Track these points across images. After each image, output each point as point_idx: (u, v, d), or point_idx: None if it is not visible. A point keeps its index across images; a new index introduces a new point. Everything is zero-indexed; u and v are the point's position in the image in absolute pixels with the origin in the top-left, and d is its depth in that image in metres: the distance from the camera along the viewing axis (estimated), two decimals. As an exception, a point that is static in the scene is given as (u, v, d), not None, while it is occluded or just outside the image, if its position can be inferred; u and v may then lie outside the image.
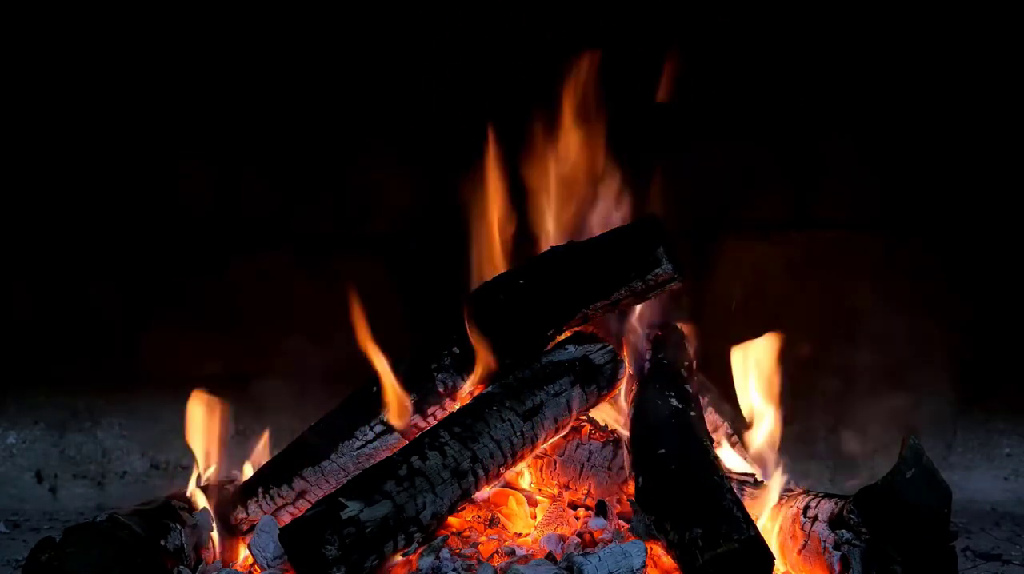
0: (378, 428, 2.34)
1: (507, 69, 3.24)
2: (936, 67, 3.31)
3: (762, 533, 2.05)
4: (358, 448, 2.34)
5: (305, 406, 2.72)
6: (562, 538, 2.24)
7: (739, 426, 2.57)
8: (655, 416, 2.30)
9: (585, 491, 2.40)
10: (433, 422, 2.33)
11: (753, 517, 2.11)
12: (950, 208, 3.36)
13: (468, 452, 2.18)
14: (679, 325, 2.62)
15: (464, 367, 2.36)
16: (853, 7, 3.29)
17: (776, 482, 2.30)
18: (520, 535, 2.30)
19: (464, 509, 2.27)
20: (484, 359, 2.34)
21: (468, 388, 2.37)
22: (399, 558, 2.12)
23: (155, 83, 3.29)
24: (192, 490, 2.39)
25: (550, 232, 2.61)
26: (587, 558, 2.07)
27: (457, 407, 2.34)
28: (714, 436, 2.42)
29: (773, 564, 1.98)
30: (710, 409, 2.57)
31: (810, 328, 3.33)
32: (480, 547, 2.20)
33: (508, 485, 2.40)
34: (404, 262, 3.33)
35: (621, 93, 2.69)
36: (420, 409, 2.36)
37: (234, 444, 2.68)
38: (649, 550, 2.09)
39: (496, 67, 3.25)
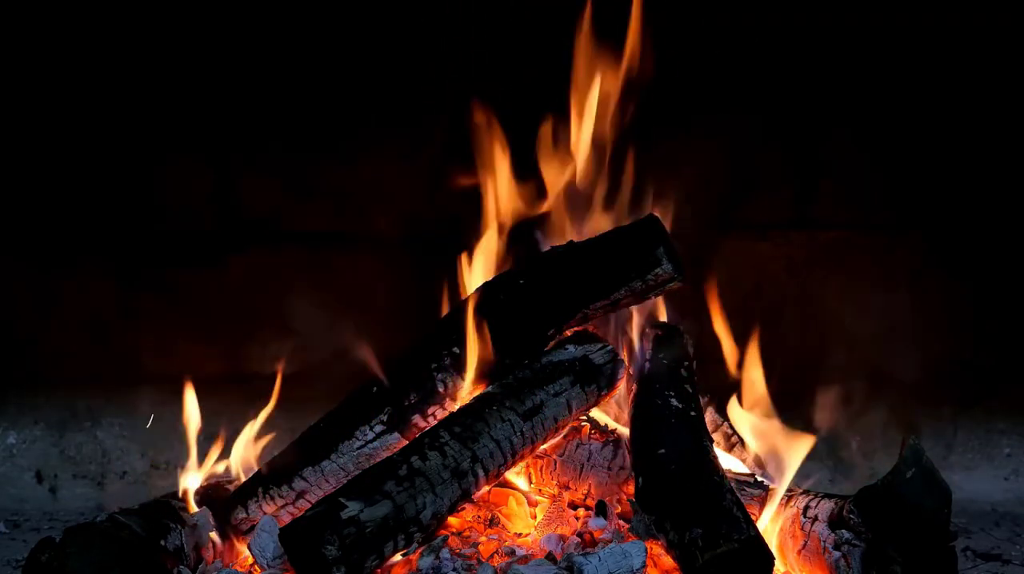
0: (378, 428, 2.34)
1: (509, 67, 3.24)
2: (935, 65, 3.31)
3: (762, 533, 2.05)
4: (358, 448, 2.34)
5: (305, 406, 2.72)
6: (562, 538, 2.24)
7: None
8: (655, 416, 2.30)
9: (585, 491, 2.40)
10: (433, 422, 2.33)
11: (753, 517, 2.11)
12: (950, 208, 3.36)
13: (468, 452, 2.18)
14: (679, 325, 2.62)
15: (464, 367, 2.36)
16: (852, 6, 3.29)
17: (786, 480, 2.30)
18: (520, 535, 2.30)
19: (464, 509, 2.27)
20: (484, 359, 2.34)
21: (468, 388, 2.37)
22: (399, 558, 2.12)
23: (153, 80, 3.29)
24: (185, 489, 2.39)
25: (551, 232, 2.61)
26: (587, 558, 2.07)
27: (457, 407, 2.34)
28: (714, 436, 2.42)
29: (773, 564, 1.98)
30: (710, 409, 2.57)
31: (810, 328, 3.33)
32: (480, 547, 2.20)
33: (508, 485, 2.40)
34: (405, 261, 3.33)
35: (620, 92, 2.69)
36: (420, 409, 2.36)
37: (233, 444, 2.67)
38: (649, 550, 2.10)
39: (497, 65, 3.25)
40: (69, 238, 3.33)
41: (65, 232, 3.33)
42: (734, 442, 2.59)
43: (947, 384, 3.38)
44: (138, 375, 3.35)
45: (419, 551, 2.14)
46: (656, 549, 2.13)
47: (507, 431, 2.24)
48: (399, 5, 3.27)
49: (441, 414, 2.36)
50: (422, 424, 2.35)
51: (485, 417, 2.24)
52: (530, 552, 2.21)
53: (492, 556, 2.18)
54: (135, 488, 3.29)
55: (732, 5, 3.28)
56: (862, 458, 3.37)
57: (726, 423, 2.60)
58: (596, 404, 2.41)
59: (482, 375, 2.35)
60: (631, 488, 2.27)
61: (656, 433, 2.26)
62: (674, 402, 2.31)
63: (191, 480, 2.44)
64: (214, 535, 2.31)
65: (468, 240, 2.65)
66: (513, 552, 2.20)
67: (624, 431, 2.40)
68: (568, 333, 2.41)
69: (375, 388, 2.38)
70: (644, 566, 2.07)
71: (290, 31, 3.29)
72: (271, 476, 2.37)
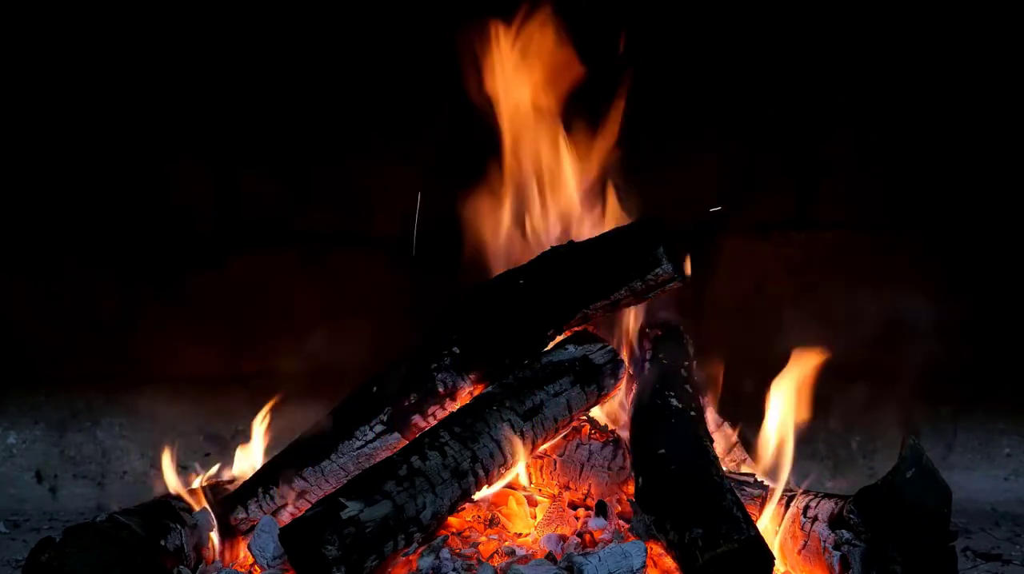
0: (378, 428, 2.34)
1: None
2: (936, 70, 3.31)
3: (762, 533, 2.05)
4: (358, 448, 2.34)
5: (305, 406, 2.72)
6: (562, 538, 2.24)
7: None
8: (655, 416, 2.30)
9: (585, 491, 2.40)
10: (433, 422, 2.33)
11: (753, 517, 2.11)
12: (950, 208, 3.36)
13: (468, 452, 2.18)
14: (679, 325, 2.62)
15: (464, 367, 2.36)
16: (852, 12, 3.29)
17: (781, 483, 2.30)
18: (520, 535, 2.30)
19: (464, 509, 2.27)
20: (484, 358, 2.35)
21: (468, 388, 2.37)
22: (399, 558, 2.12)
23: (154, 81, 3.29)
24: (191, 487, 2.39)
25: (551, 232, 2.61)
26: (587, 558, 2.07)
27: (457, 407, 2.34)
28: (714, 436, 2.42)
29: (773, 564, 1.98)
30: (710, 409, 2.57)
31: (809, 328, 3.33)
32: (480, 547, 2.20)
33: (508, 485, 2.40)
34: (405, 261, 3.33)
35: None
36: (420, 409, 2.36)
37: (233, 444, 2.67)
38: (649, 550, 2.10)
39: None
40: (70, 238, 3.33)
41: (66, 232, 3.33)
42: (734, 442, 2.59)
43: (947, 384, 3.38)
44: (138, 375, 3.35)
45: (419, 551, 2.14)
46: (656, 549, 2.13)
47: (507, 431, 2.24)
48: (399, 10, 3.27)
49: (441, 414, 2.36)
50: (422, 424, 2.35)
51: (485, 417, 2.24)
52: (530, 552, 2.21)
53: (492, 556, 2.18)
54: (135, 488, 3.29)
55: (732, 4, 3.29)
56: (862, 458, 3.37)
57: (726, 423, 2.60)
58: (596, 404, 2.41)
59: (482, 375, 2.36)
60: (631, 488, 2.27)
61: (656, 433, 2.26)
62: (674, 402, 2.31)
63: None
64: (214, 535, 2.31)
65: (469, 240, 2.65)
66: (513, 552, 2.20)
67: (624, 431, 2.40)
68: (568, 333, 2.41)
69: (375, 388, 2.38)
70: (644, 566, 2.07)
71: (292, 34, 3.29)
72: (271, 476, 2.37)
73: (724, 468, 2.29)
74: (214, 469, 2.57)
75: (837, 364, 3.28)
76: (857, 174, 3.36)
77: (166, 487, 2.40)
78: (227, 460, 2.61)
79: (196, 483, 2.47)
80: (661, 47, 3.26)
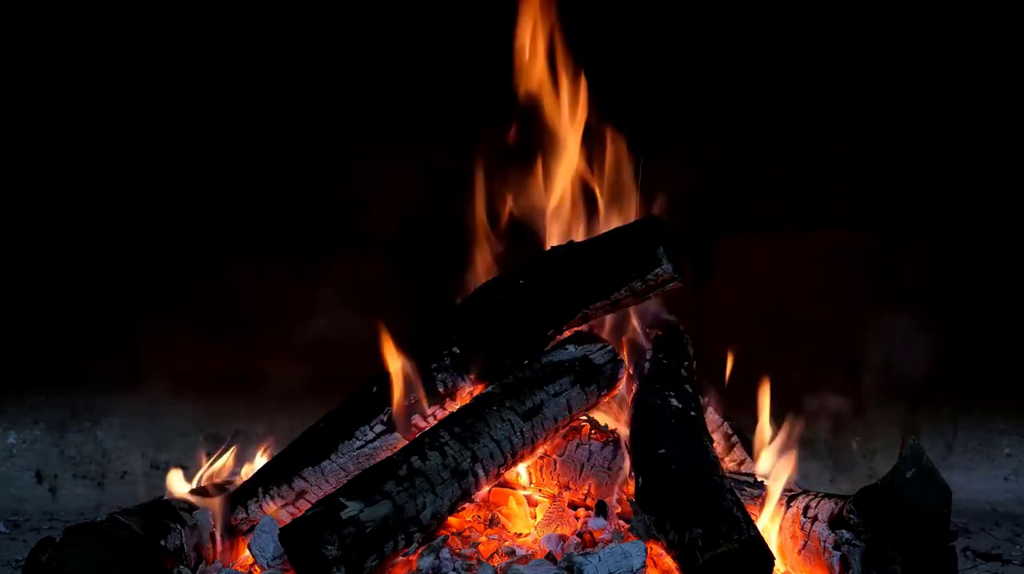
0: (378, 428, 2.34)
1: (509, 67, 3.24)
2: (934, 65, 3.31)
3: (762, 533, 2.05)
4: (358, 448, 2.34)
5: (304, 406, 2.72)
6: (562, 538, 2.24)
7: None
8: (655, 416, 2.30)
9: (585, 491, 2.40)
10: (433, 422, 2.33)
11: (753, 517, 2.11)
12: (951, 208, 3.36)
13: (468, 452, 2.18)
14: (679, 325, 2.62)
15: (464, 367, 2.36)
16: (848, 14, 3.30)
17: (779, 483, 2.30)
18: (520, 535, 2.30)
19: (464, 509, 2.28)
20: (484, 359, 2.35)
21: (468, 388, 2.37)
22: (399, 558, 2.12)
23: (153, 82, 3.29)
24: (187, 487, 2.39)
25: (551, 232, 2.61)
26: (587, 558, 2.07)
27: (457, 407, 2.34)
28: (714, 436, 2.42)
29: (773, 564, 1.98)
30: (710, 409, 2.57)
31: (810, 328, 3.33)
32: (480, 547, 2.20)
33: (508, 485, 2.40)
34: (404, 262, 3.34)
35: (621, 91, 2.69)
36: (420, 409, 2.36)
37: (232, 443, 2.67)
38: (649, 550, 2.10)
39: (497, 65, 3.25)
40: (70, 238, 3.34)
41: (66, 232, 3.34)
42: (734, 442, 2.59)
43: (947, 384, 3.38)
44: (138, 375, 3.35)
45: (419, 551, 2.14)
46: (656, 549, 2.13)
47: (507, 431, 2.24)
48: (402, 10, 3.27)
49: (441, 414, 2.36)
50: (422, 424, 2.35)
51: (485, 417, 2.24)
52: (530, 552, 2.21)
53: (492, 556, 2.18)
54: (135, 488, 3.29)
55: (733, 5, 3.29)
56: (862, 458, 3.37)
57: (726, 423, 2.60)
58: (596, 404, 2.41)
59: (482, 375, 2.36)
60: (631, 488, 2.27)
61: (656, 433, 2.26)
62: (674, 402, 2.31)
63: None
64: (215, 534, 2.31)
65: (468, 240, 2.65)
66: (513, 552, 2.20)
67: (624, 431, 2.40)
68: (568, 333, 2.41)
69: (375, 388, 2.39)
70: (644, 566, 2.07)
71: (292, 33, 3.29)
72: (271, 476, 2.37)
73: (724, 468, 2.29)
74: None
75: (837, 364, 3.29)
76: (858, 174, 3.36)
77: (171, 493, 2.40)
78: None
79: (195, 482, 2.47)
80: (661, 47, 3.27)
